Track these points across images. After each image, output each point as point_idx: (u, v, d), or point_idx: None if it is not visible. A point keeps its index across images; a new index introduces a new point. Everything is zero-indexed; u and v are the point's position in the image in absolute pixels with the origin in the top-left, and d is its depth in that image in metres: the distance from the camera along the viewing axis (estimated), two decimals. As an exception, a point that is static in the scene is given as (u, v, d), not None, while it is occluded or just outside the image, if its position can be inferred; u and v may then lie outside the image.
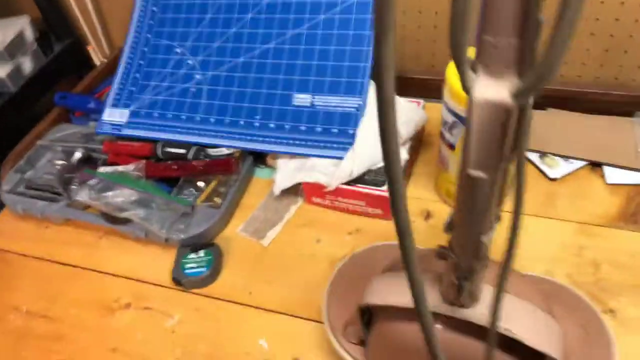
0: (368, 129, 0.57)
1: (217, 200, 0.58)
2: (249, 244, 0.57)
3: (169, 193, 0.59)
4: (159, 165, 0.60)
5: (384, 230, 0.56)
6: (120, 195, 0.56)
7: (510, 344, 0.33)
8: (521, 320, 0.32)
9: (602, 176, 0.57)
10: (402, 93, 0.61)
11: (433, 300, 0.33)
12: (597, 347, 0.39)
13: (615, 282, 0.48)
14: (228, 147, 0.61)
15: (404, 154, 0.58)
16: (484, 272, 0.30)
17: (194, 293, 0.54)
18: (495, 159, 0.23)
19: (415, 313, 0.35)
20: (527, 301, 0.33)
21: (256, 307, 0.52)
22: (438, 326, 0.34)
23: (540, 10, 0.18)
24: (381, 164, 0.57)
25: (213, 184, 0.59)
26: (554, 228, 0.54)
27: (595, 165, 0.58)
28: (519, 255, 0.51)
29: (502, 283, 0.28)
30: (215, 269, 0.54)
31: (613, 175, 0.57)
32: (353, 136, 0.57)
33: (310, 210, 0.60)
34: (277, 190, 0.59)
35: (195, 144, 0.62)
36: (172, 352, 0.49)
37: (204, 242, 0.55)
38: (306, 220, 0.59)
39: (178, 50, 0.66)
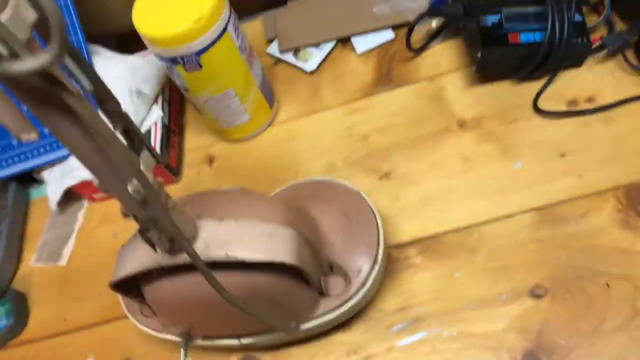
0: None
1: (-7, 244, 0.53)
2: (49, 271, 0.53)
3: (-63, 262, 0.53)
4: None
5: (173, 195, 0.54)
6: None
7: (247, 267, 0.33)
8: (240, 242, 0.32)
9: (353, 49, 0.58)
10: (128, 50, 0.57)
11: (152, 257, 0.31)
12: (362, 227, 0.40)
13: (385, 146, 0.50)
14: (-19, 185, 0.55)
15: (157, 112, 0.54)
16: (169, 214, 0.29)
17: (8, 347, 0.50)
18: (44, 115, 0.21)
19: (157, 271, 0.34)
20: (250, 219, 0.33)
21: (76, 330, 0.49)
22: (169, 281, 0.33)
23: None
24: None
25: (-18, 230, 0.54)
26: (324, 120, 0.54)
27: (344, 41, 0.59)
28: (300, 164, 0.52)
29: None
30: (19, 314, 0.50)
31: (360, 43, 0.57)
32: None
33: (97, 208, 0.56)
34: (52, 205, 0.55)
35: (-55, 197, 0.55)
36: (6, 416, 0.46)
37: (-4, 293, 0.51)
38: (98, 220, 0.56)
39: None
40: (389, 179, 0.48)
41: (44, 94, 0.21)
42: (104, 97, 0.26)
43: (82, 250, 0.54)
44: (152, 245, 0.31)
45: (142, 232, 0.30)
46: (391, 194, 0.47)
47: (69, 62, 0.23)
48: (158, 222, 0.29)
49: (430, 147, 0.48)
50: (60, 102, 0.21)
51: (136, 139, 0.29)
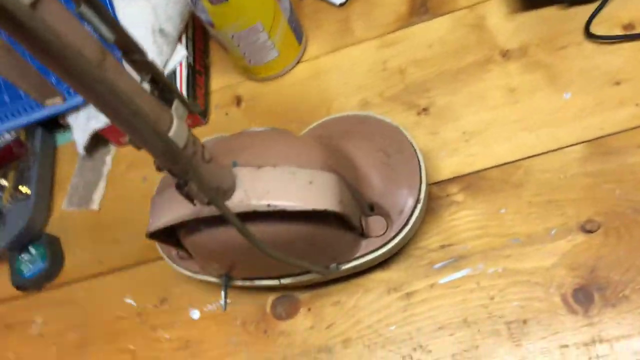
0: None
1: (25, 189, 0.53)
2: (81, 216, 0.53)
3: (-32, 208, 0.53)
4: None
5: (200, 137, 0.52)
6: None
7: (288, 214, 0.31)
8: (280, 190, 0.30)
9: (385, -21, 0.54)
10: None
11: (190, 207, 0.30)
12: (402, 164, 0.38)
13: (422, 80, 0.47)
14: (7, 130, 0.54)
15: (182, 51, 0.52)
16: (204, 167, 0.27)
17: (47, 290, 0.50)
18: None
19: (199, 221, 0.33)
20: (289, 165, 0.31)
21: (111, 272, 0.49)
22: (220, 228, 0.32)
23: None
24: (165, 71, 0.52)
25: (12, 176, 0.53)
26: (357, 55, 0.51)
27: (375, -29, 0.55)
28: (332, 102, 0.50)
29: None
30: (54, 257, 0.50)
31: (392, -27, 0.54)
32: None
33: (126, 152, 0.55)
34: (80, 149, 0.54)
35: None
36: (47, 355, 0.47)
37: (30, 238, 0.51)
38: (126, 164, 0.55)
39: None
40: (428, 114, 0.45)
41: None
42: (128, 47, 0.24)
43: (112, 195, 0.53)
44: (190, 199, 0.30)
45: (179, 187, 0.28)
46: (430, 129, 0.44)
47: (86, 10, 0.20)
48: (190, 175, 0.27)
49: (471, 80, 0.45)
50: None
51: (166, 89, 0.27)
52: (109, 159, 0.55)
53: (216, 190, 0.29)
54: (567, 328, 0.34)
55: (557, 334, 0.34)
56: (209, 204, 0.29)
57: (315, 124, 0.43)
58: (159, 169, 0.28)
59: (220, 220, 0.32)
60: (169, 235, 0.38)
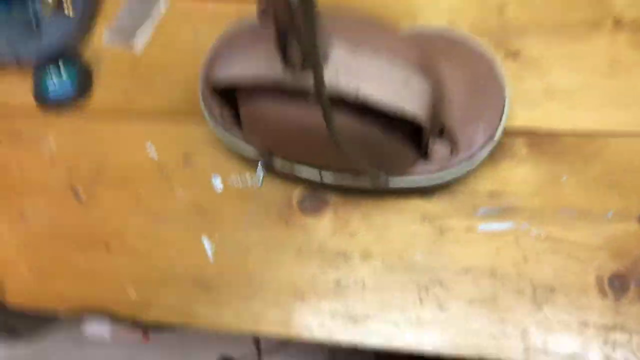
0: None
1: (68, 5, 0.49)
2: (120, 52, 0.50)
3: (8, 11, 0.49)
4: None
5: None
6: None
7: (365, 108, 0.29)
8: (374, 81, 0.27)
9: None
10: None
11: (273, 70, 0.28)
12: (487, 98, 0.35)
13: (521, 24, 0.44)
14: None
15: None
16: (315, 27, 0.24)
17: (66, 112, 0.48)
18: None
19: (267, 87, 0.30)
20: (386, 56, 0.28)
21: (139, 115, 0.47)
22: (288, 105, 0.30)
23: None
24: None
25: (59, -13, 0.49)
26: (456, -26, 0.47)
27: None
28: (420, 14, 0.46)
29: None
30: (83, 82, 0.47)
31: None
32: None
33: (183, 1, 0.51)
34: (138, -19, 0.50)
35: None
36: (56, 175, 0.45)
37: (65, 56, 0.48)
38: (180, 14, 0.51)
39: None
40: (517, 58, 0.42)
41: None
42: None
43: (158, 41, 0.50)
44: (283, 54, 0.27)
45: (279, 42, 0.26)
46: (515, 75, 0.41)
47: None
48: (300, 34, 0.24)
49: (573, 37, 0.42)
50: None
51: None
52: (162, 4, 0.51)
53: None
54: (593, 308, 0.34)
55: (581, 310, 0.34)
56: (303, 68, 0.27)
57: (406, 30, 0.40)
58: (262, 13, 0.25)
59: (295, 95, 0.29)
60: (225, 93, 0.36)
